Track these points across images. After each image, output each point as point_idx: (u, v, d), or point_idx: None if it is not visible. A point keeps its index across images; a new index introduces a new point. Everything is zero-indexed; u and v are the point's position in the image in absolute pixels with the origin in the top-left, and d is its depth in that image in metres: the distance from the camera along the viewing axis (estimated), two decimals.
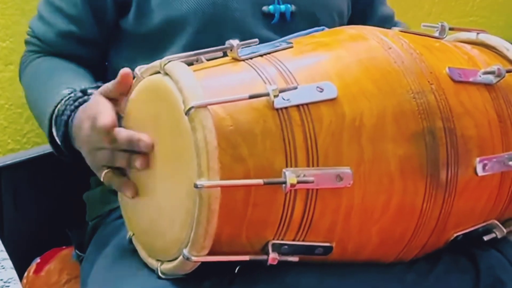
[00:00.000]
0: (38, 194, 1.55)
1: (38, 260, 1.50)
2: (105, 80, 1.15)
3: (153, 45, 1.31)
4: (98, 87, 1.15)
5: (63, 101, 1.21)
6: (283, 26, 1.31)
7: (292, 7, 1.32)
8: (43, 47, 1.39)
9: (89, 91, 1.20)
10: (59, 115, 1.21)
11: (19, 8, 1.63)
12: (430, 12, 2.20)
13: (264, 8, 1.32)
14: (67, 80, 1.28)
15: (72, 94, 1.21)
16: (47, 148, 1.54)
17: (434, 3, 2.22)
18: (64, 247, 1.52)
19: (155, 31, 1.31)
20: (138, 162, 1.04)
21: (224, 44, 1.08)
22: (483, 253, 1.15)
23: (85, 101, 1.18)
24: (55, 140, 1.25)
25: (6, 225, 1.51)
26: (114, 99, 1.11)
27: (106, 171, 1.09)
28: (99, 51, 1.39)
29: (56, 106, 1.22)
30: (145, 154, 1.04)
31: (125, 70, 1.09)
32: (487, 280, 1.13)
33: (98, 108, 1.08)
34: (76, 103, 1.19)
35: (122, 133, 1.05)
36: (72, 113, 1.18)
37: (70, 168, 1.46)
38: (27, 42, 1.43)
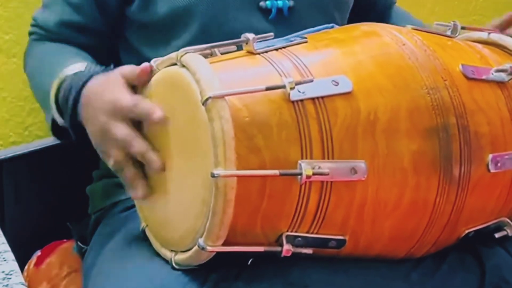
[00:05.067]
0: (40, 187, 1.55)
1: (38, 253, 1.50)
2: None
3: (160, 36, 1.31)
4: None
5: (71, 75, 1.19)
6: (281, 21, 1.31)
7: (290, 3, 1.32)
8: (45, 35, 1.38)
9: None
10: (66, 85, 1.19)
11: (22, 1, 1.63)
12: (432, 11, 2.21)
13: (261, 3, 1.31)
14: (73, 60, 1.25)
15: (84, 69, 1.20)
16: (49, 141, 1.56)
17: (436, 2, 2.22)
18: (65, 240, 1.52)
19: (161, 21, 1.30)
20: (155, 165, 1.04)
21: (226, 37, 1.09)
22: (490, 252, 1.15)
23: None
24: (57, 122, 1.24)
25: (7, 217, 1.51)
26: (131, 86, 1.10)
27: (114, 160, 1.07)
28: (103, 42, 1.38)
29: (62, 81, 1.20)
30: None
31: (146, 65, 1.08)
32: (492, 280, 1.13)
33: (123, 94, 1.07)
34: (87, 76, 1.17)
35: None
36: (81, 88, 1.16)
37: (71, 161, 1.47)
38: (30, 34, 1.43)
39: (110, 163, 1.08)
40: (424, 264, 1.12)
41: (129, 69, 1.11)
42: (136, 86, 1.11)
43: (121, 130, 1.06)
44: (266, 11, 1.31)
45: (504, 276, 1.14)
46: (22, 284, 0.99)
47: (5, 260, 1.04)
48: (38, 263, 1.48)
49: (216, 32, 1.28)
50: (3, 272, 1.01)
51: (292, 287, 1.04)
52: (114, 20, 1.35)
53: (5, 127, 1.65)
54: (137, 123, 1.07)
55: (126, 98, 1.06)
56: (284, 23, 1.30)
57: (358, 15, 1.45)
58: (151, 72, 1.08)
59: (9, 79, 1.64)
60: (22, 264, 1.44)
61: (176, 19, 1.30)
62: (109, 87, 1.10)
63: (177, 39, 1.30)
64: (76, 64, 1.21)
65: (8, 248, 1.08)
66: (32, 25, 1.42)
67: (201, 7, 1.28)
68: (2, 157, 1.50)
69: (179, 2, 1.29)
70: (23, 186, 1.53)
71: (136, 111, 1.05)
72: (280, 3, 1.32)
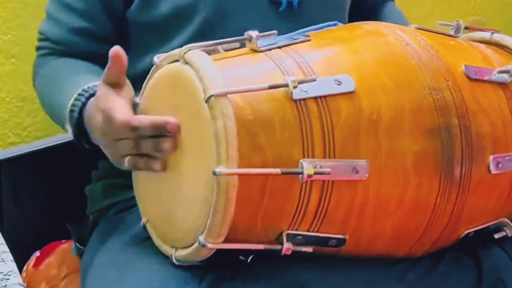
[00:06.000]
0: (38, 188, 1.54)
1: (37, 253, 1.50)
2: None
3: (160, 36, 1.29)
4: None
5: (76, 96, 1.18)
6: (290, 14, 1.30)
7: None
8: (55, 48, 1.34)
9: None
10: (72, 111, 1.18)
11: (21, 1, 1.63)
12: (432, 11, 2.21)
13: None
14: (85, 79, 1.23)
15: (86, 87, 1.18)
16: (47, 141, 1.56)
17: (435, 2, 2.22)
18: (63, 240, 1.51)
19: (162, 21, 1.28)
20: (167, 144, 1.02)
21: (231, 33, 1.09)
22: (487, 252, 1.15)
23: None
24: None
25: (6, 218, 1.51)
26: (117, 83, 1.09)
27: (128, 157, 1.06)
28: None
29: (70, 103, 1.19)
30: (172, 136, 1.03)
31: (113, 49, 1.07)
32: (489, 280, 1.13)
33: (109, 102, 1.06)
34: (87, 95, 1.17)
35: (144, 120, 1.03)
36: (83, 105, 1.16)
37: (70, 162, 1.46)
38: (38, 48, 1.38)
39: (124, 166, 1.08)
40: (421, 264, 1.12)
41: (105, 71, 1.10)
42: (139, 83, 1.11)
43: (124, 145, 1.05)
44: (276, 3, 1.31)
45: (501, 277, 1.14)
46: (21, 285, 0.99)
47: (3, 261, 1.03)
48: (37, 264, 1.48)
49: (223, 22, 1.27)
50: (1, 273, 1.00)
51: (288, 287, 1.04)
52: (121, 25, 1.32)
53: (4, 127, 1.65)
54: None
55: (116, 117, 1.04)
56: (293, 17, 1.29)
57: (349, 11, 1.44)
58: (122, 55, 1.07)
59: (8, 80, 1.63)
60: (20, 264, 1.45)
61: (182, 13, 1.27)
62: (99, 104, 1.09)
63: (180, 34, 1.28)
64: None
65: (7, 249, 1.07)
66: (40, 40, 1.37)
67: (206, 3, 1.27)
68: (1, 158, 1.50)
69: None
70: (22, 186, 1.52)
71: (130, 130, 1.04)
72: None
